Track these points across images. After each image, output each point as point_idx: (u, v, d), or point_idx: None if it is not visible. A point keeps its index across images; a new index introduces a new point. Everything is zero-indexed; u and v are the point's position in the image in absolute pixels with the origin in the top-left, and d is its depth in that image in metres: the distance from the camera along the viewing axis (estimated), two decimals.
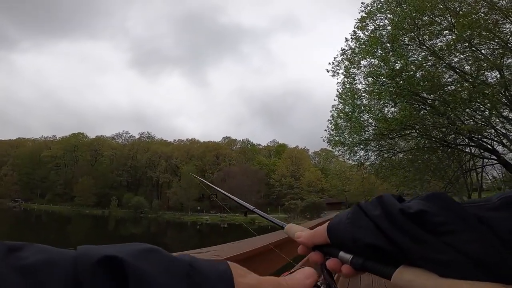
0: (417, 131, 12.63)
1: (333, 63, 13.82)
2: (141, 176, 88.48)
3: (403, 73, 11.41)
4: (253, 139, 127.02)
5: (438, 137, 12.97)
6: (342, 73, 13.64)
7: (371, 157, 14.98)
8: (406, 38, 11.95)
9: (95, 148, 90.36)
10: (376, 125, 12.73)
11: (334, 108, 14.33)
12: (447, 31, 11.25)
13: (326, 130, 14.62)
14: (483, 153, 13.37)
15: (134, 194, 78.29)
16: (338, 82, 13.92)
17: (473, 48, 10.89)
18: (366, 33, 12.70)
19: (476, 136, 12.12)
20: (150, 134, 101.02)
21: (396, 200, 0.39)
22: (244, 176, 61.47)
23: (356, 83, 13.47)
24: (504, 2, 10.11)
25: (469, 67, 11.66)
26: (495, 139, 12.41)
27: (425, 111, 12.60)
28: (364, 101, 13.41)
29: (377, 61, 12.32)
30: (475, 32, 10.01)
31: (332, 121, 14.28)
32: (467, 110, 11.75)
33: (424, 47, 11.73)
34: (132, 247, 0.29)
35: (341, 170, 22.61)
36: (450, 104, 11.33)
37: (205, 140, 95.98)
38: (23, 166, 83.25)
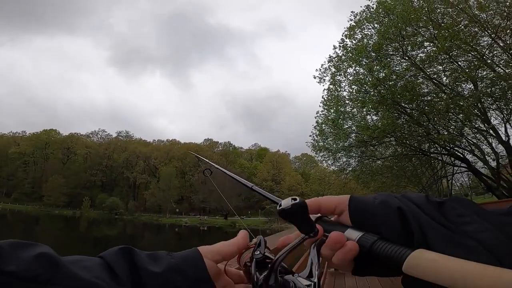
0: (395, 139, 13.15)
1: (320, 69, 14.15)
2: (117, 177, 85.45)
3: (385, 83, 11.85)
4: (235, 142, 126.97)
5: (414, 145, 13.56)
6: (329, 80, 13.98)
7: (353, 163, 15.44)
8: (390, 48, 12.45)
9: (68, 146, 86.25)
10: (359, 132, 13.11)
11: (318, 114, 14.64)
12: (428, 43, 11.83)
13: (310, 136, 14.89)
14: (454, 161, 14.15)
15: (109, 194, 75.50)
16: (324, 89, 14.26)
17: (451, 60, 11.49)
18: (354, 41, 13.10)
19: (449, 146, 12.79)
20: (128, 133, 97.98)
21: None
22: (225, 179, 60.92)
23: (341, 91, 13.84)
24: (484, 15, 10.72)
25: (446, 78, 12.32)
26: (467, 148, 13.18)
27: (403, 120, 13.16)
28: (348, 109, 13.81)
29: (362, 70, 12.73)
30: (454, 44, 10.56)
31: (317, 127, 14.55)
32: (442, 120, 12.38)
33: (406, 58, 12.27)
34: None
35: (322, 176, 23.08)
36: (427, 114, 11.90)
37: (186, 142, 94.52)
38: None
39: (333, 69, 13.80)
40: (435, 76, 12.32)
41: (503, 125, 11.92)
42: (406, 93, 11.65)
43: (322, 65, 14.12)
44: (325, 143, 14.19)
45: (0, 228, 36.44)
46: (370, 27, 12.99)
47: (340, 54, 13.52)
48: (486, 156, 12.41)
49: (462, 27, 10.94)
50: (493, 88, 11.11)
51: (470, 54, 11.17)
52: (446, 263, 0.31)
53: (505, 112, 11.84)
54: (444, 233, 0.36)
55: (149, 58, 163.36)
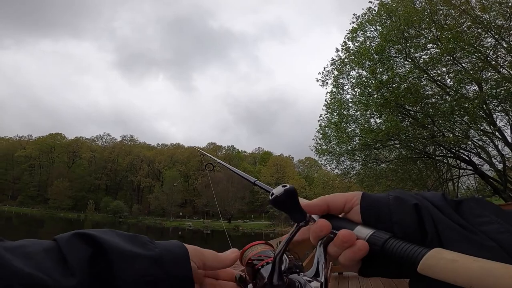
0: (400, 142, 13.05)
1: (322, 72, 14.15)
2: (121, 180, 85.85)
3: (389, 85, 11.81)
4: (238, 145, 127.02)
5: (418, 148, 13.44)
6: (332, 83, 13.96)
7: (356, 167, 15.34)
8: (393, 50, 12.42)
9: (73, 150, 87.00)
10: (362, 135, 13.04)
11: (321, 118, 14.61)
12: (431, 44, 11.77)
13: (314, 139, 14.85)
14: (459, 164, 13.99)
15: (113, 198, 75.82)
16: (327, 92, 14.24)
17: (455, 61, 11.42)
18: (356, 44, 13.09)
19: (455, 148, 12.65)
20: (132, 137, 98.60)
21: None
22: (229, 182, 61.00)
23: (344, 93, 13.82)
24: (487, 16, 10.64)
25: (450, 80, 12.24)
26: (473, 150, 13.03)
27: (407, 122, 13.07)
28: (351, 112, 13.76)
29: (365, 72, 12.70)
30: (458, 46, 10.49)
31: (320, 130, 14.52)
32: (447, 122, 12.28)
33: (409, 60, 12.22)
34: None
35: (325, 179, 22.93)
36: (432, 116, 11.80)
37: (190, 145, 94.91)
38: None
39: (336, 72, 13.80)
40: (439, 78, 12.24)
41: (509, 127, 11.81)
42: (410, 96, 11.58)
43: (324, 68, 14.15)
44: (328, 147, 14.13)
45: (5, 230, 36.88)
46: (373, 29, 13.00)
47: (342, 57, 13.54)
48: (492, 158, 12.25)
49: (465, 28, 10.88)
50: (498, 90, 11.00)
51: (474, 56, 11.08)
52: (467, 263, 0.29)
53: (511, 114, 11.73)
54: (462, 233, 0.34)
55: (153, 61, 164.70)
